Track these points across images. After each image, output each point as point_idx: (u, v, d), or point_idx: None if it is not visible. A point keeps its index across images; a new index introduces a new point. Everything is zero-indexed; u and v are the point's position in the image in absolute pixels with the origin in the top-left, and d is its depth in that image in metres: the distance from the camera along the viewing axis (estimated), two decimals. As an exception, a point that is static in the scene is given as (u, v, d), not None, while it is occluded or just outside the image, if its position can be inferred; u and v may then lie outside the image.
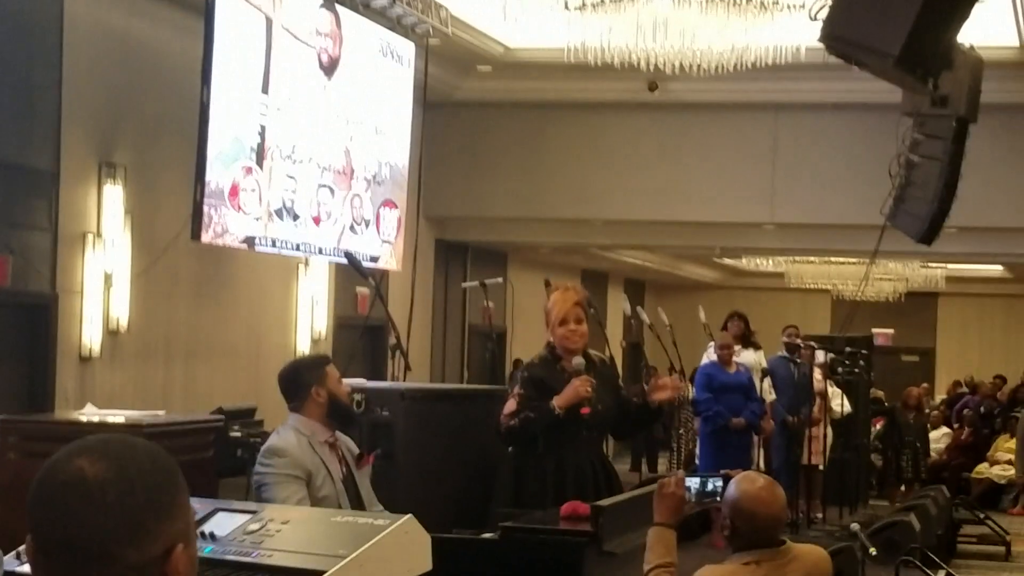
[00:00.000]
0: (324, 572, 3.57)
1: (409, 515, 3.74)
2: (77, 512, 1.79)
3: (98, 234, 11.10)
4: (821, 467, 13.94)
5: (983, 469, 19.24)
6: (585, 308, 6.50)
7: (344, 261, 10.36)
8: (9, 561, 3.77)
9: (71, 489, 1.80)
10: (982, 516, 15.52)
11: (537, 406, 6.27)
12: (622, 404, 6.65)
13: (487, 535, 5.48)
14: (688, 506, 4.91)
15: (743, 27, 11.87)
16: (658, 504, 4.74)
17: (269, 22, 11.50)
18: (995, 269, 23.59)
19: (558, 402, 6.24)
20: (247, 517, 4.04)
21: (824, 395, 13.88)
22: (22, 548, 4.37)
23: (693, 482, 4.90)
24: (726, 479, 4.83)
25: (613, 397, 6.57)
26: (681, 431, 16.94)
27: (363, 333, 13.95)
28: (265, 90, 11.56)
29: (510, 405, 6.38)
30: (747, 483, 4.56)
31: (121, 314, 11.34)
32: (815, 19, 7.49)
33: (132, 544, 1.80)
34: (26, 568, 4.23)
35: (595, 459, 6.33)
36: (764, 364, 12.82)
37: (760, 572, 4.43)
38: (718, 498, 4.81)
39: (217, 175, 10.95)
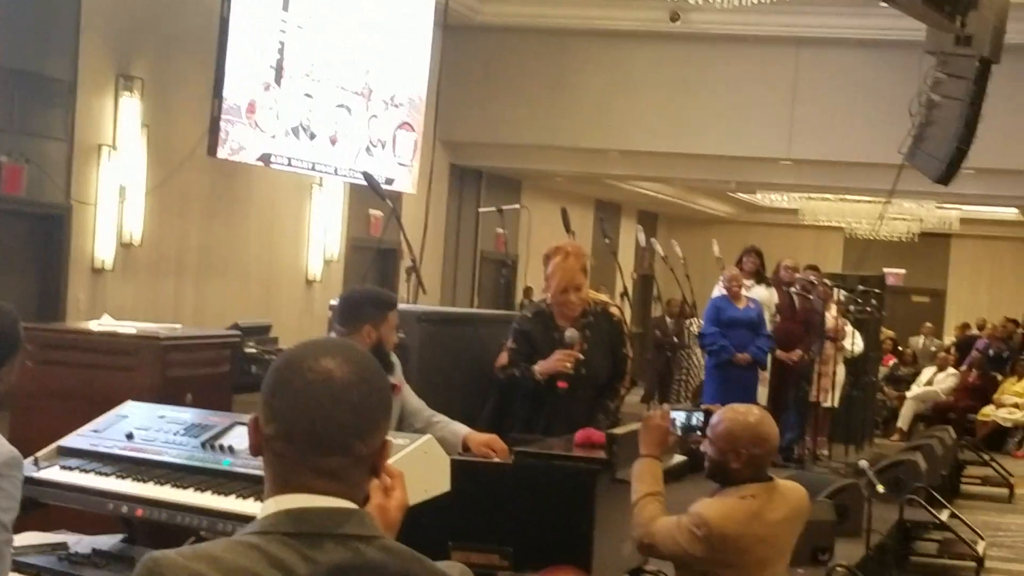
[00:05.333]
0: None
1: (428, 436, 3.73)
2: (327, 408, 2.01)
3: (114, 146, 11.06)
4: (828, 405, 13.93)
5: (989, 412, 19.25)
6: (586, 271, 6.51)
7: (361, 181, 10.32)
8: (27, 467, 3.78)
9: (321, 387, 2.02)
10: (987, 458, 15.55)
11: (523, 367, 6.39)
12: (618, 363, 6.60)
13: (501, 460, 5.48)
14: (672, 438, 4.93)
15: (769, -41, 11.76)
16: (643, 436, 4.79)
17: (292, -62, 11.41)
18: (1010, 212, 23.48)
19: (539, 369, 6.32)
20: (266, 432, 4.04)
21: (838, 333, 13.84)
22: (40, 454, 4.40)
23: (678, 416, 4.93)
24: (707, 414, 4.85)
25: (608, 357, 6.52)
26: (688, 365, 16.95)
27: (375, 255, 13.93)
28: (286, 7, 11.49)
29: (502, 358, 6.50)
30: (742, 416, 4.57)
31: (134, 228, 11.34)
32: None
33: (364, 439, 2.05)
34: (43, 474, 4.26)
35: (572, 418, 6.22)
36: (776, 300, 12.76)
37: (756, 505, 4.49)
38: (699, 432, 4.85)
39: (235, 91, 10.90)
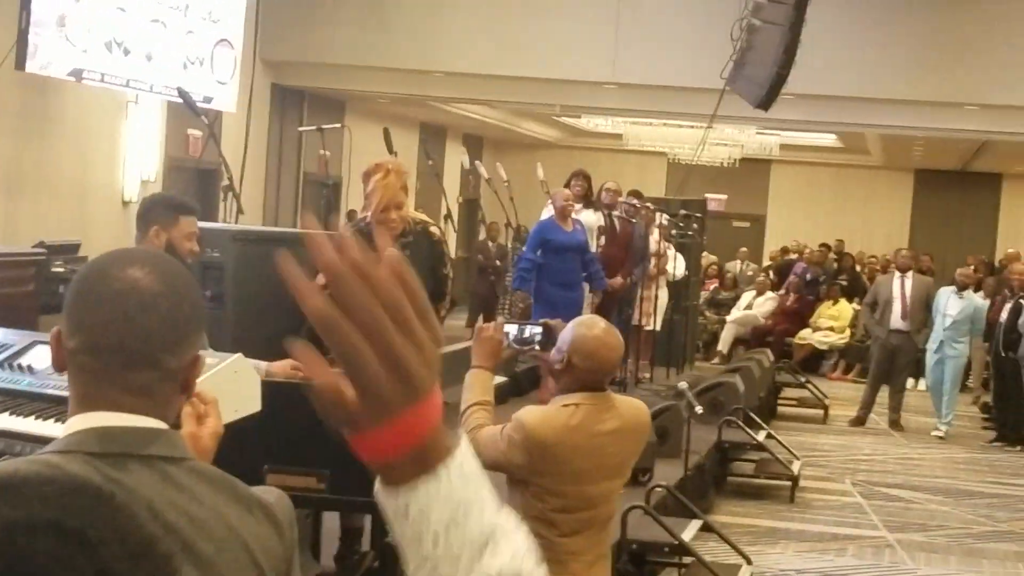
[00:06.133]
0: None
1: (238, 354, 3.61)
2: (133, 319, 1.92)
3: (-84, 59, 10.59)
4: (650, 328, 14.05)
5: (806, 335, 19.68)
6: (407, 190, 6.42)
7: (178, 99, 10.05)
8: None
9: (127, 297, 1.92)
10: (803, 380, 15.90)
11: None
12: (438, 283, 6.54)
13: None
14: (506, 351, 4.90)
15: None
16: (476, 348, 4.74)
17: None
18: (827, 138, 23.91)
19: None
20: (66, 351, 3.88)
21: (661, 256, 13.96)
22: None
23: (512, 328, 4.89)
24: (545, 328, 4.82)
25: (428, 277, 6.45)
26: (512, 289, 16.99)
27: (194, 176, 13.63)
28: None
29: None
30: (587, 327, 4.55)
31: (-61, 144, 10.90)
32: None
33: (174, 352, 1.95)
34: None
35: None
36: (602, 224, 12.77)
37: (579, 415, 4.42)
38: (536, 346, 4.82)
39: (44, 3, 10.50)
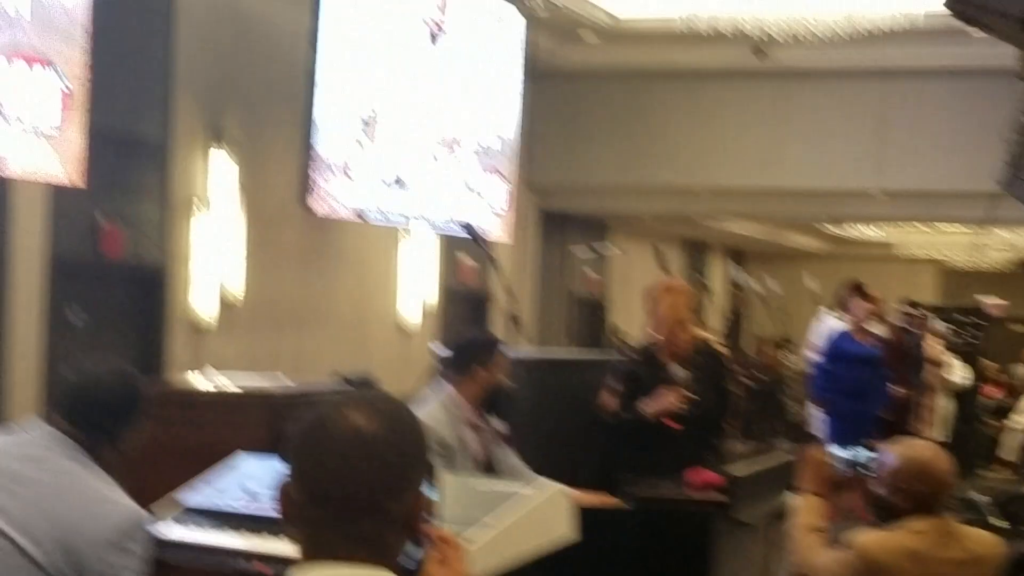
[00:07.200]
0: (471, 541, 3.51)
1: (560, 486, 3.69)
2: (357, 467, 1.92)
3: (208, 204, 11.12)
4: (932, 438, 13.66)
5: (1097, 442, 18.86)
6: (692, 309, 6.53)
7: (460, 232, 10.34)
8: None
9: (350, 444, 1.93)
10: (1099, 490, 15.23)
11: (632, 409, 6.36)
12: (721, 398, 6.57)
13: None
14: (835, 474, 4.80)
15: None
16: (805, 473, 4.65)
17: (377, -11, 11.49)
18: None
19: (651, 410, 6.26)
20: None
21: (940, 364, 13.61)
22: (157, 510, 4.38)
23: (840, 451, 4.83)
24: (871, 449, 4.74)
25: (714, 394, 6.48)
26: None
27: (468, 303, 13.93)
28: (374, 58, 11.55)
29: (610, 401, 6.45)
30: (909, 447, 4.44)
31: (231, 283, 11.40)
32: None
33: (397, 497, 1.95)
34: (175, 534, 4.22)
35: (681, 457, 6.10)
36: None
37: (921, 541, 4.21)
38: (863, 468, 4.74)
39: (327, 144, 10.97)
